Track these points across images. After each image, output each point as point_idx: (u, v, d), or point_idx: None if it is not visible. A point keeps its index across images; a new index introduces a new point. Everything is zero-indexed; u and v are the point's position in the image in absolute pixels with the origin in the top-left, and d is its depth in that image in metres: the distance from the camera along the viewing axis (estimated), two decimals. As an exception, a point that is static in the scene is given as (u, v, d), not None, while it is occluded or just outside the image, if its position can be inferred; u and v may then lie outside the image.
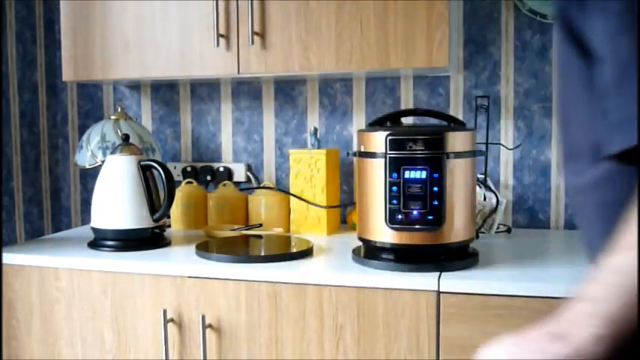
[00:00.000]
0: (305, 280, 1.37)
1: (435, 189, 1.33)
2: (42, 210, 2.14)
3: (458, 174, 1.36)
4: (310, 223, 1.80)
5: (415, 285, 1.30)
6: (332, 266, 1.44)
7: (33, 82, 2.08)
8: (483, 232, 1.73)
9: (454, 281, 1.29)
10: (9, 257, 1.58)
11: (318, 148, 1.84)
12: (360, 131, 1.45)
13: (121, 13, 1.74)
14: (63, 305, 1.55)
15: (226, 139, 2.07)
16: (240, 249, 1.62)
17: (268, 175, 2.04)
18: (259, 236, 1.74)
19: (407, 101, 1.91)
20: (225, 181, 1.97)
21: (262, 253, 1.57)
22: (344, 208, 1.94)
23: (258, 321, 1.41)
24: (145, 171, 1.64)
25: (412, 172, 1.34)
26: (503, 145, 1.85)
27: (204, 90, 2.07)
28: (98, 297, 1.52)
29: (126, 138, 1.71)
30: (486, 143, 1.73)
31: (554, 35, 1.66)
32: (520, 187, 1.86)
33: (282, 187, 1.96)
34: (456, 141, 1.36)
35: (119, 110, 1.93)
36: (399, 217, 1.35)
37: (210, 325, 1.44)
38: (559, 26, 0.74)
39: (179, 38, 1.70)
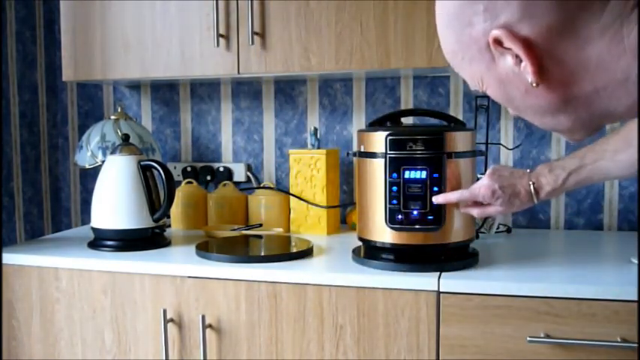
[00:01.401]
0: (305, 280, 1.37)
1: (435, 189, 1.33)
2: (42, 210, 2.14)
3: (458, 174, 1.36)
4: (310, 223, 1.80)
5: (415, 285, 1.30)
6: (332, 266, 1.44)
7: (33, 82, 2.07)
8: (483, 232, 1.72)
9: (454, 281, 1.29)
10: (9, 257, 1.58)
11: (318, 148, 1.84)
12: (360, 131, 1.45)
13: (120, 13, 1.74)
14: (63, 305, 1.55)
15: (226, 139, 2.07)
16: (240, 249, 1.62)
17: (268, 175, 2.04)
18: (259, 236, 1.73)
19: (407, 101, 1.91)
20: (225, 181, 1.97)
21: (262, 253, 1.57)
22: (344, 208, 1.94)
23: (258, 321, 1.41)
24: (145, 171, 1.64)
25: (412, 172, 1.34)
26: (503, 145, 1.85)
27: (204, 90, 2.07)
28: (98, 297, 1.52)
29: (126, 138, 1.71)
30: (486, 143, 1.73)
31: None
32: (520, 187, 1.86)
33: (282, 187, 1.96)
34: (456, 141, 1.36)
35: (119, 110, 1.93)
36: (399, 217, 1.35)
37: (210, 325, 1.44)
38: None
39: (179, 38, 1.70)
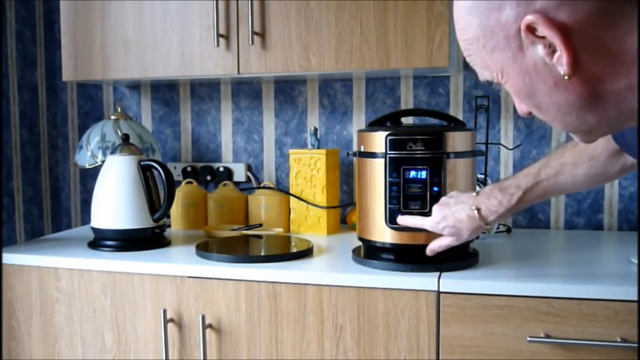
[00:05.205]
0: (305, 280, 1.37)
1: (435, 189, 1.33)
2: (42, 210, 2.14)
3: (458, 174, 1.36)
4: (310, 223, 1.80)
5: (415, 285, 1.30)
6: (332, 266, 1.44)
7: (33, 82, 2.07)
8: (483, 232, 1.72)
9: (454, 281, 1.29)
10: (9, 257, 1.58)
11: (318, 148, 1.84)
12: (360, 131, 1.45)
13: (120, 13, 1.74)
14: (63, 305, 1.55)
15: (226, 139, 2.07)
16: (240, 249, 1.62)
17: (268, 175, 2.04)
18: (259, 236, 1.73)
19: (407, 101, 1.91)
20: (225, 181, 1.97)
21: (262, 253, 1.57)
22: (344, 208, 1.94)
23: (258, 321, 1.41)
24: (145, 171, 1.64)
25: (412, 172, 1.34)
26: (504, 145, 1.85)
27: (204, 90, 2.07)
28: (98, 297, 1.52)
29: (126, 138, 1.71)
30: (486, 143, 1.73)
31: None
32: (520, 187, 1.86)
33: (282, 187, 1.96)
34: (456, 141, 1.36)
35: (119, 110, 1.93)
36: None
37: (210, 325, 1.44)
38: None
39: (179, 38, 1.70)
